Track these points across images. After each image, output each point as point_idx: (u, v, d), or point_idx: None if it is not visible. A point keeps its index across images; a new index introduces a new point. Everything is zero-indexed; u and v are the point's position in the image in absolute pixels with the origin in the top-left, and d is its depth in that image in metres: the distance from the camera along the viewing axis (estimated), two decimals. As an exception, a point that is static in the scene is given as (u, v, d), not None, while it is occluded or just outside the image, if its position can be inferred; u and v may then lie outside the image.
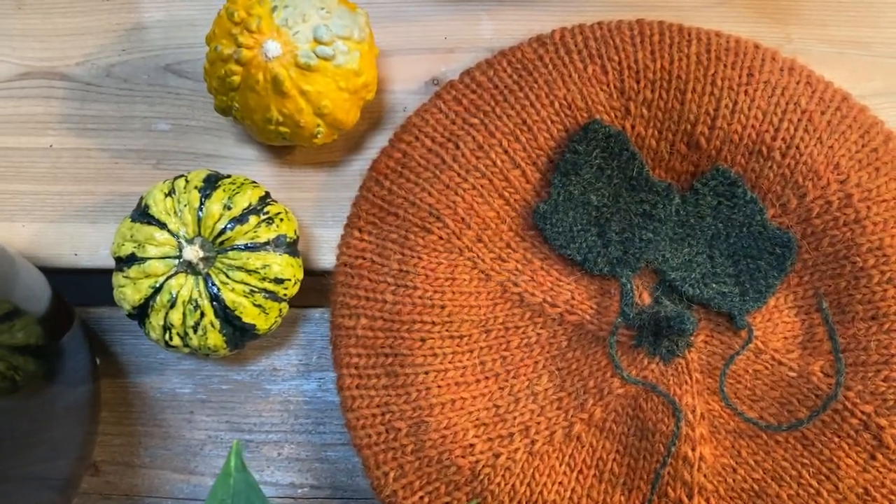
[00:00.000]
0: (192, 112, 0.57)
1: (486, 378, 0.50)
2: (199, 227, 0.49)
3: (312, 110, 0.48)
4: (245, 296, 0.48)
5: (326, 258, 0.55)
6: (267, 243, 0.48)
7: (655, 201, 0.51)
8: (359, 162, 0.56)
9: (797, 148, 0.49)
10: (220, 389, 0.55)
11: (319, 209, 0.55)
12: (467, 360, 0.50)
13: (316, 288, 0.54)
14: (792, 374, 0.49)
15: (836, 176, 0.49)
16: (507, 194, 0.52)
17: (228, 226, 0.48)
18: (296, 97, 0.48)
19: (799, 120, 0.50)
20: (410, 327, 0.50)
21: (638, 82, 0.51)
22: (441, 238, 0.51)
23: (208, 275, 0.48)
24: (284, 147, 0.56)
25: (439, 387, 0.49)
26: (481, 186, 0.51)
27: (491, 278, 0.51)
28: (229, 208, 0.48)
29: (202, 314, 0.48)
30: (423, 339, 0.50)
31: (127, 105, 0.57)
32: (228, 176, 0.51)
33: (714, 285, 0.50)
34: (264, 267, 0.48)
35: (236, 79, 0.48)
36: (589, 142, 0.50)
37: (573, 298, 0.51)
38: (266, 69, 0.47)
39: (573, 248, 0.51)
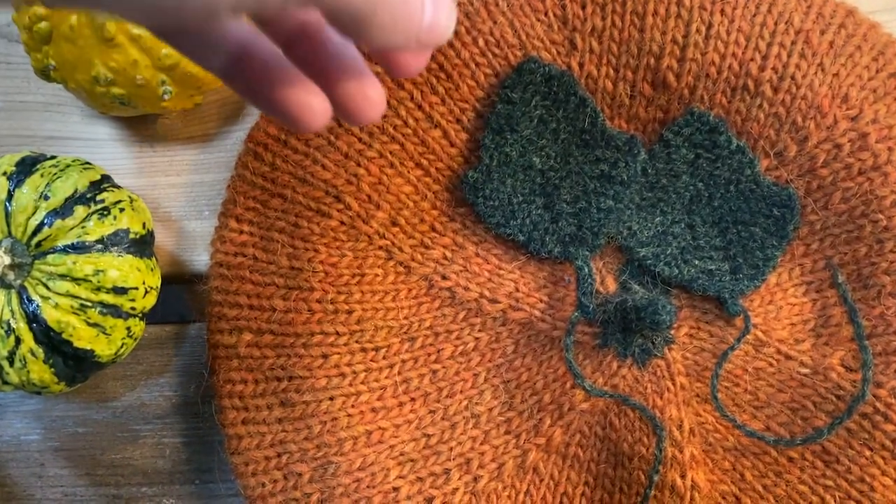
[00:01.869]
0: (29, 85, 0.49)
1: (412, 400, 0.45)
2: (9, 224, 0.40)
3: (151, 62, 0.41)
4: (74, 312, 0.38)
5: (203, 258, 0.48)
6: (100, 241, 0.39)
7: (615, 159, 0.46)
8: (239, 133, 0.49)
9: (792, 79, 0.44)
10: (77, 434, 0.48)
11: (192, 196, 0.49)
12: (386, 378, 0.45)
13: (193, 297, 0.48)
14: (804, 370, 0.45)
15: (846, 111, 0.44)
16: (425, 162, 0.46)
17: (46, 221, 0.39)
18: (125, 45, 0.40)
19: (793, 43, 0.44)
20: (308, 341, 0.44)
21: (584, 7, 0.45)
22: (342, 223, 0.45)
23: (23, 287, 0.39)
24: (142, 119, 0.49)
25: (350, 416, 0.44)
26: (391, 154, 0.45)
27: (412, 271, 0.45)
28: (47, 198, 0.39)
29: (18, 340, 0.39)
30: (325, 356, 0.44)
31: (-56, 80, 0.50)
32: (53, 157, 0.40)
33: (697, 262, 0.46)
34: (97, 273, 0.39)
35: (45, 26, 0.41)
36: (526, 87, 0.45)
37: (518, 290, 0.46)
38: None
39: (514, 225, 0.46)
